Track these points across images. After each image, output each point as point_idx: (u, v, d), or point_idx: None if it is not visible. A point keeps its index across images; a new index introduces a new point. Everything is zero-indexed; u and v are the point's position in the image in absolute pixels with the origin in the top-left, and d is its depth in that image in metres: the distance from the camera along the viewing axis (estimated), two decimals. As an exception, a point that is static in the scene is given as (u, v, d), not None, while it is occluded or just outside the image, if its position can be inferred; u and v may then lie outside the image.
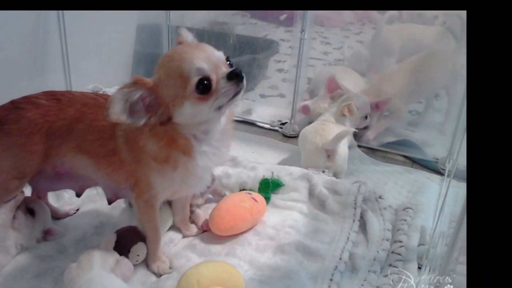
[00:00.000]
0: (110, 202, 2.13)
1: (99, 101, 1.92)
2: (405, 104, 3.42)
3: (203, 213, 2.32)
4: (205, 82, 1.60)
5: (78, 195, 2.19)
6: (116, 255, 1.93)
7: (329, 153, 2.71)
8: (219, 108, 1.65)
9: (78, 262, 1.84)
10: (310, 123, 3.28)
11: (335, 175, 2.71)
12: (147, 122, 1.66)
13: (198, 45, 1.69)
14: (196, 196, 2.33)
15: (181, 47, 1.72)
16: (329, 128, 2.78)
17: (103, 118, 1.68)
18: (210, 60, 1.62)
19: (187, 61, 1.61)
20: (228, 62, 1.69)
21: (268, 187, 2.51)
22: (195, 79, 1.59)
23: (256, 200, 2.31)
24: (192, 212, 2.30)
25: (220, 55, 1.67)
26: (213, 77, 1.61)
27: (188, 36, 1.82)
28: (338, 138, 2.67)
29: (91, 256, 1.85)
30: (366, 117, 3.02)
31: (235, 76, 1.60)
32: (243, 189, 2.51)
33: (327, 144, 2.69)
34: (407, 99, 3.42)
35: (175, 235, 2.24)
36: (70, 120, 1.90)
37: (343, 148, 2.75)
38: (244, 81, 1.63)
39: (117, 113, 1.59)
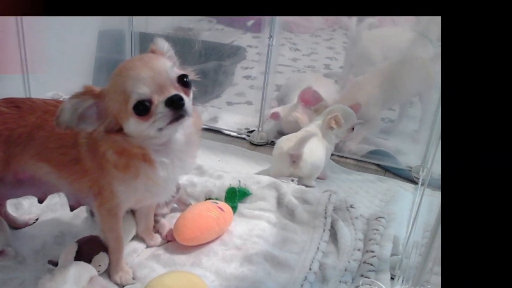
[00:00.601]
0: (72, 208, 2.11)
1: None
2: (378, 111, 3.42)
3: (168, 223, 2.29)
4: (144, 104, 1.58)
5: (41, 201, 2.17)
6: (93, 271, 1.91)
7: (294, 159, 2.70)
8: (160, 129, 1.62)
9: (52, 274, 1.83)
10: (279, 131, 3.26)
11: (301, 181, 2.70)
12: (96, 129, 1.66)
13: (148, 63, 1.63)
14: (161, 206, 2.30)
15: (133, 61, 1.67)
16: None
17: None
18: (155, 81, 1.58)
19: (131, 80, 1.58)
20: (184, 80, 1.65)
21: (235, 196, 2.49)
22: (133, 100, 1.57)
23: (222, 210, 2.29)
24: (156, 221, 2.27)
25: (169, 75, 1.62)
26: (154, 100, 1.58)
27: (164, 46, 1.77)
28: (302, 141, 2.67)
29: (67, 271, 1.83)
30: (352, 129, 2.99)
31: (171, 103, 1.57)
32: (209, 198, 2.49)
33: (291, 148, 2.68)
34: (380, 106, 3.42)
35: (138, 245, 2.20)
36: (31, 128, 1.87)
37: (309, 155, 2.73)
38: (185, 107, 1.58)
39: (66, 121, 1.61)
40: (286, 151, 2.70)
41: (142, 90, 1.56)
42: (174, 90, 1.60)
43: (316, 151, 2.76)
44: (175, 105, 1.57)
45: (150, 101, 1.57)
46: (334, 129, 2.87)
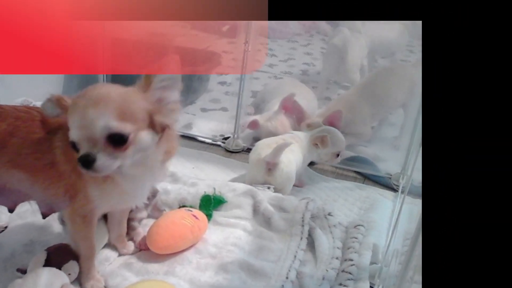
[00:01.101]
0: (44, 216, 2.07)
1: (32, 114, 1.89)
2: (368, 126, 3.42)
3: (143, 231, 2.27)
4: (74, 144, 1.60)
5: (11, 210, 2.12)
6: (65, 279, 1.90)
7: (270, 166, 2.69)
8: None
9: (24, 278, 1.84)
10: (255, 138, 3.25)
11: (276, 191, 2.69)
12: None
13: (86, 108, 1.57)
14: (139, 209, 2.28)
15: (81, 97, 1.62)
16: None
17: (39, 131, 1.75)
18: (83, 131, 1.57)
19: (70, 117, 1.60)
20: (116, 138, 1.59)
21: (210, 204, 2.48)
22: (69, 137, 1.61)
23: (197, 217, 2.28)
24: (133, 228, 2.26)
25: (97, 130, 1.57)
26: (80, 146, 1.59)
27: (153, 79, 1.70)
28: (278, 150, 2.65)
29: (38, 276, 1.83)
30: (337, 155, 2.97)
31: (80, 161, 1.58)
32: (183, 206, 2.47)
33: (268, 156, 2.67)
34: (369, 121, 3.42)
35: (110, 253, 2.18)
36: (3, 135, 1.85)
37: (287, 165, 2.71)
38: (95, 167, 1.57)
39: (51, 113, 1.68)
40: (263, 158, 2.69)
41: (73, 134, 1.59)
42: (99, 145, 1.58)
43: (292, 162, 2.75)
44: (83, 164, 1.57)
45: (77, 145, 1.59)
46: (318, 148, 2.87)
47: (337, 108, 3.20)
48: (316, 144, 2.86)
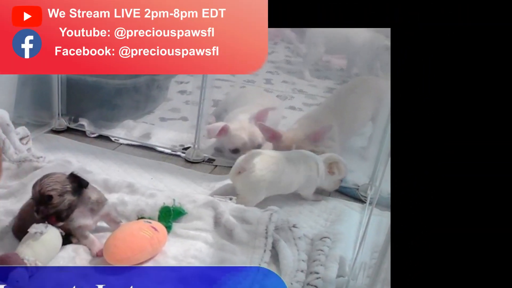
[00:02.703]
0: None
1: None
2: (337, 143, 3.42)
3: (97, 240, 2.26)
4: None
5: None
6: None
7: (240, 169, 2.72)
8: None
9: None
10: (216, 148, 3.27)
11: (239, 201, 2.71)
12: None
13: None
14: (83, 214, 2.25)
15: None
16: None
17: None
18: None
19: None
20: None
21: (169, 215, 2.47)
22: None
23: (156, 229, 2.27)
24: (84, 237, 2.25)
25: None
26: None
27: None
28: (251, 155, 2.71)
29: None
30: (341, 181, 3.00)
31: None
32: (141, 218, 2.46)
33: (241, 158, 2.73)
34: (338, 138, 3.42)
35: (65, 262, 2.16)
36: None
37: (257, 174, 2.72)
38: None
39: None
40: (238, 160, 2.76)
41: None
42: None
43: (266, 176, 2.76)
44: None
45: None
46: (334, 175, 2.91)
47: (307, 125, 3.24)
48: (333, 172, 2.90)
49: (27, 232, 2.11)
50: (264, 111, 3.32)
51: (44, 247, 2.06)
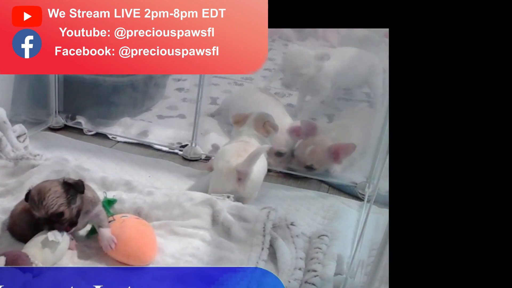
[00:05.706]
0: None
1: None
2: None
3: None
4: None
5: None
6: None
7: (241, 176, 2.69)
8: None
9: None
10: (214, 145, 3.27)
11: (241, 201, 2.70)
12: None
13: None
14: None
15: None
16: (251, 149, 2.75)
17: None
18: None
19: None
20: None
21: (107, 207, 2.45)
22: None
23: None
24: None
25: None
26: None
27: None
28: (252, 158, 2.67)
29: None
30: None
31: None
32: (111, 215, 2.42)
33: (240, 165, 2.68)
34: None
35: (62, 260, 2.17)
36: None
37: (256, 174, 2.73)
38: None
39: None
40: (235, 166, 2.69)
41: None
42: None
43: (260, 170, 2.77)
44: None
45: None
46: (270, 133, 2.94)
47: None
48: (269, 131, 2.96)
49: (23, 231, 2.15)
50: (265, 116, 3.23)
51: (53, 252, 2.07)
